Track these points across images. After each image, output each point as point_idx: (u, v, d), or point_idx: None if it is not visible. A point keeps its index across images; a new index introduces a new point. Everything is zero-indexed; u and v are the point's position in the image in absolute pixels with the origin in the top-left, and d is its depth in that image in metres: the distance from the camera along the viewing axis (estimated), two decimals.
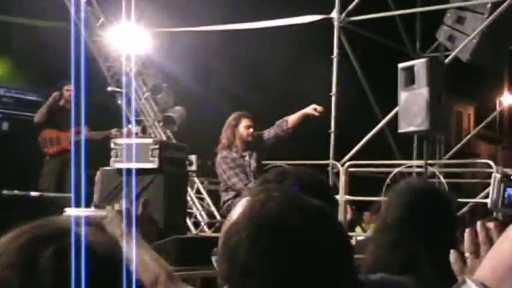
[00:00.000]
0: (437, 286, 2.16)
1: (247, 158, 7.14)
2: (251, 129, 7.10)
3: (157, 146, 6.35)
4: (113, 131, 8.92)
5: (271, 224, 1.33)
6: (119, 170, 6.47)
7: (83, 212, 5.74)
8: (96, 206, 6.50)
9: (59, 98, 9.38)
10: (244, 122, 7.12)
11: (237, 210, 1.42)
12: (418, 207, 2.36)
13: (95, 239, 1.19)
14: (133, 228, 5.12)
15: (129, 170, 6.26)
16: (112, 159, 6.54)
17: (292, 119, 7.22)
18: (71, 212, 5.22)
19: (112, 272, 1.16)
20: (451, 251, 2.03)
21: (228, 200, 7.03)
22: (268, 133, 7.30)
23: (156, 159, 6.31)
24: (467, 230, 1.68)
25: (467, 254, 1.75)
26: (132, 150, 6.32)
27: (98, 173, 6.73)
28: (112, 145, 6.54)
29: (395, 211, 2.38)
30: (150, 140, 6.56)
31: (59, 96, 9.39)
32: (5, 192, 4.51)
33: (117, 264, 1.17)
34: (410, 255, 2.28)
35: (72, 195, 5.19)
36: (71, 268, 1.12)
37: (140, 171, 6.22)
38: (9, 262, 1.14)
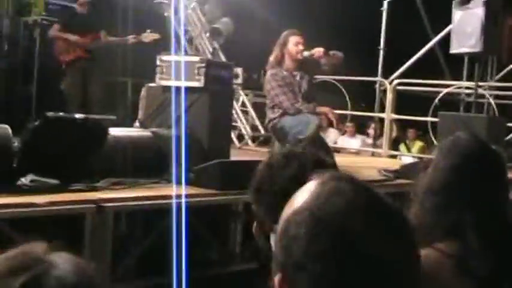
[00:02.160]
0: (481, 255, 2.07)
1: (297, 78, 7.02)
2: (300, 46, 6.97)
3: (203, 64, 6.22)
4: (130, 37, 8.73)
5: (332, 226, 1.21)
6: (164, 87, 6.40)
7: (126, 131, 5.73)
8: (141, 123, 6.50)
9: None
10: (293, 39, 6.99)
11: (302, 195, 1.29)
12: (465, 171, 2.23)
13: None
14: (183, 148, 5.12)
15: (175, 88, 6.19)
16: (157, 75, 6.45)
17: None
18: (115, 132, 5.22)
19: None
20: None
21: (274, 119, 6.97)
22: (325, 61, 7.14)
23: (202, 78, 6.19)
24: None
25: None
26: (178, 68, 6.22)
27: (143, 89, 6.68)
28: (158, 62, 6.43)
29: (441, 173, 2.26)
30: (196, 58, 6.44)
31: None
32: (50, 114, 4.49)
33: None
34: (455, 221, 2.18)
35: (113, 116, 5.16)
36: None
37: (185, 90, 6.12)
38: None
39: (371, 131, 11.96)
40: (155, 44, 8.50)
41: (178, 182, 5.02)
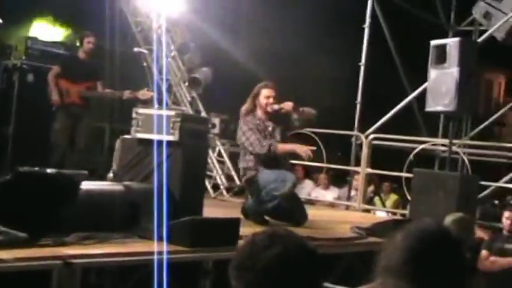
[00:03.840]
0: None
1: (269, 129, 7.11)
2: (270, 99, 7.08)
3: (179, 119, 6.26)
4: (126, 92, 8.74)
5: None
6: (139, 140, 6.42)
7: (98, 185, 5.73)
8: (115, 174, 6.51)
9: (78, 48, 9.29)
10: (265, 92, 7.11)
11: None
12: (421, 257, 2.27)
13: None
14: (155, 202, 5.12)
15: (149, 141, 6.23)
16: (133, 128, 6.47)
17: (281, 147, 7.05)
18: (87, 186, 5.21)
19: None
20: None
21: (247, 169, 7.05)
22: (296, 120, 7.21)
23: (177, 132, 6.22)
24: None
25: None
26: (154, 121, 6.26)
27: (118, 141, 6.70)
28: (134, 114, 6.46)
29: (397, 253, 2.30)
30: (172, 112, 6.47)
31: (79, 46, 9.30)
32: (21, 169, 4.50)
33: None
34: None
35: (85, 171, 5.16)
36: None
37: (160, 143, 6.15)
38: None
39: (355, 183, 11.71)
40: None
41: (151, 238, 5.03)
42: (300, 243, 2.15)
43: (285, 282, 2.07)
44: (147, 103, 8.19)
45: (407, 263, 2.24)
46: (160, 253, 4.62)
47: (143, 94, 8.52)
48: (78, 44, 9.43)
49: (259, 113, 7.13)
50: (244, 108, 7.18)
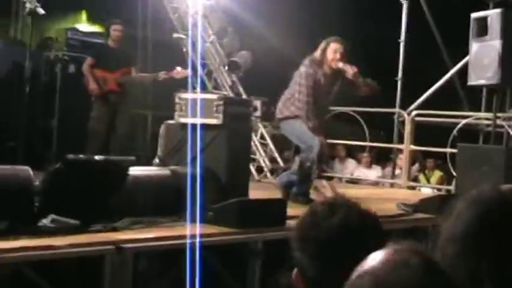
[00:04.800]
0: None
1: (328, 88, 7.08)
2: (338, 55, 6.96)
3: (221, 102, 6.29)
4: (161, 73, 8.82)
5: None
6: (183, 125, 6.46)
7: (145, 171, 5.77)
8: (160, 160, 6.56)
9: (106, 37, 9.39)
10: (333, 46, 6.98)
11: (370, 261, 1.31)
12: (486, 223, 2.24)
13: None
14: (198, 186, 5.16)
15: (193, 125, 6.26)
16: (176, 113, 6.52)
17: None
18: (134, 171, 5.27)
19: None
20: None
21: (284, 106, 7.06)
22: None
23: (221, 115, 6.26)
24: None
25: None
26: (196, 106, 6.29)
27: (162, 126, 6.75)
28: (176, 99, 6.51)
29: (463, 222, 2.28)
30: (214, 96, 6.50)
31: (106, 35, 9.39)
32: (70, 156, 4.56)
33: None
34: (473, 270, 2.19)
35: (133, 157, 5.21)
36: None
37: (204, 127, 6.18)
38: None
39: (399, 161, 11.57)
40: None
41: (196, 221, 5.06)
42: (362, 212, 2.10)
43: (348, 252, 2.05)
44: (185, 86, 8.24)
45: (474, 233, 2.22)
46: (201, 236, 4.66)
47: (177, 73, 8.59)
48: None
49: (325, 67, 7.00)
50: (312, 56, 7.03)
